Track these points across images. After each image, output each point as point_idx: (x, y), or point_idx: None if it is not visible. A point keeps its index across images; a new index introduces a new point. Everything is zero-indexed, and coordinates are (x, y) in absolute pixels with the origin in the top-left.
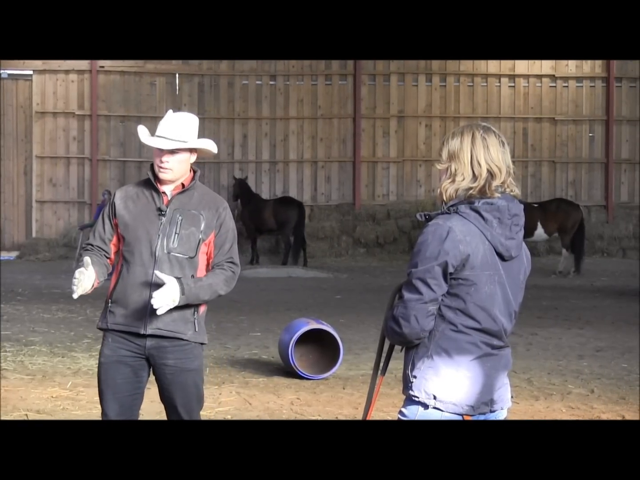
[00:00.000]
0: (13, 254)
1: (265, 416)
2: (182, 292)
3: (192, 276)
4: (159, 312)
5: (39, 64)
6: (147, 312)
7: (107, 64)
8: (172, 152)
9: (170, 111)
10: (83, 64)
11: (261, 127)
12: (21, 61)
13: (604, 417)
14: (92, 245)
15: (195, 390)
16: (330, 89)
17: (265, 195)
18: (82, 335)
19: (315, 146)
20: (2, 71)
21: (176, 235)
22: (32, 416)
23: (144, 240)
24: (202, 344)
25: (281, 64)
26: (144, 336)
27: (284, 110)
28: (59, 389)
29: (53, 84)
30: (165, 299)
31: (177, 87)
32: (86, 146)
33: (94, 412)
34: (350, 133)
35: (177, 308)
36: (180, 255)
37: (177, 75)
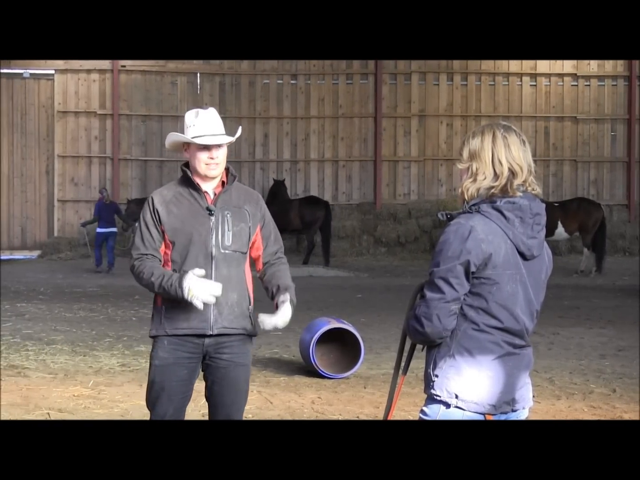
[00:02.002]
0: (35, 253)
1: (287, 415)
2: (294, 305)
3: (244, 271)
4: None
5: (60, 63)
6: (210, 313)
7: (128, 63)
8: (219, 146)
9: (199, 110)
10: (105, 64)
11: (282, 126)
12: (43, 60)
13: (626, 416)
14: (145, 255)
15: (245, 386)
16: (351, 88)
17: None
18: (104, 334)
19: (336, 145)
20: (24, 71)
21: (229, 232)
22: (54, 415)
23: (197, 242)
24: (255, 336)
25: (302, 63)
26: (208, 335)
27: (305, 109)
28: (80, 387)
29: (75, 83)
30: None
31: (199, 87)
32: (108, 145)
33: (115, 411)
34: (371, 132)
35: (238, 305)
36: (236, 252)
37: (198, 74)
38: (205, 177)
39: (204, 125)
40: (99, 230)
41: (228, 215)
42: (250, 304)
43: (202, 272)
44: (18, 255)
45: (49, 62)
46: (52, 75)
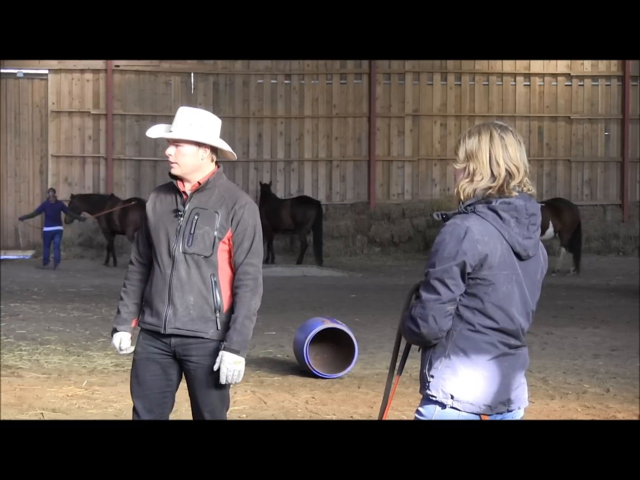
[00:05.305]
0: (29, 253)
1: (280, 415)
2: (237, 353)
3: (212, 275)
4: (238, 381)
5: (54, 63)
6: (165, 312)
7: (122, 63)
8: (175, 145)
9: (183, 107)
10: (98, 63)
11: (276, 126)
12: (37, 60)
13: (620, 416)
14: (135, 262)
15: (217, 389)
16: (345, 88)
17: (280, 194)
18: (98, 334)
19: (330, 145)
20: (17, 70)
21: (190, 235)
22: (48, 415)
23: (163, 241)
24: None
25: (296, 63)
26: (168, 335)
27: (299, 109)
28: (74, 387)
29: (69, 83)
30: (233, 374)
31: (193, 86)
32: (101, 145)
33: (109, 411)
34: (365, 132)
35: (196, 308)
36: (196, 255)
37: (192, 74)
38: (181, 177)
39: (174, 121)
40: (45, 229)
41: (196, 217)
42: (219, 310)
43: (127, 345)
44: (12, 255)
45: (43, 62)
46: (46, 75)
